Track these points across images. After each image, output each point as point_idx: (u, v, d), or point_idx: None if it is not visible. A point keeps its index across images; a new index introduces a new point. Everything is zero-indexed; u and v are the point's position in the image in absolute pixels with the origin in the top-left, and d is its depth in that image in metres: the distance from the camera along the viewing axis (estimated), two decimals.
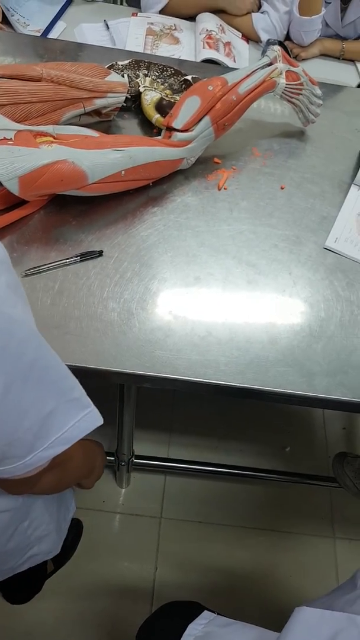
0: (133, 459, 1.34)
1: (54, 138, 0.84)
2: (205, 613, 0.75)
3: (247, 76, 0.99)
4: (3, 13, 1.38)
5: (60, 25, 1.44)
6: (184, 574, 1.36)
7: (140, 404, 1.15)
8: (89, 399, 0.55)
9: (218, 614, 0.76)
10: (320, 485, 1.50)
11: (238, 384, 0.76)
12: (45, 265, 0.81)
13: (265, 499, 1.50)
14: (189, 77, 1.11)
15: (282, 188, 1.02)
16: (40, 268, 0.81)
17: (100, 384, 0.75)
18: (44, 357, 0.48)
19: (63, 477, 0.64)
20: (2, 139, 0.78)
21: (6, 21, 1.39)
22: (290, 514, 1.49)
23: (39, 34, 1.39)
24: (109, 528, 1.40)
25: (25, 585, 1.23)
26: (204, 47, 1.38)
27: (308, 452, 1.61)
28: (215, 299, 0.84)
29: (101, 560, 1.34)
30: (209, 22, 1.46)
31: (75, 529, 1.32)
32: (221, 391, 0.77)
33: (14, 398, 0.45)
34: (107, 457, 1.38)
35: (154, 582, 1.34)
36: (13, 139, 0.79)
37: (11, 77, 0.90)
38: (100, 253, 0.85)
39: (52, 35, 1.40)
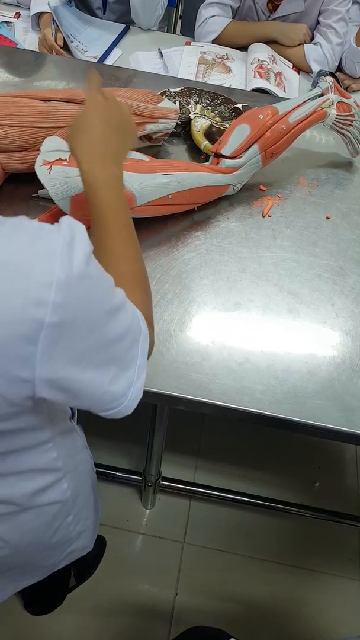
0: (160, 480, 1.33)
1: None
2: None
3: (298, 106, 1.00)
4: (64, 39, 1.44)
5: (116, 52, 1.49)
6: (204, 601, 1.33)
7: (169, 426, 1.15)
8: (139, 321, 0.54)
9: None
10: (349, 525, 1.45)
11: (274, 414, 0.75)
12: None
13: (291, 533, 1.46)
14: (239, 106, 1.13)
15: (327, 218, 1.01)
16: None
17: None
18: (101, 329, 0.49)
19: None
20: (57, 160, 0.81)
21: (66, 47, 1.45)
22: (316, 552, 1.44)
23: (95, 60, 1.44)
24: (131, 548, 1.39)
25: (47, 597, 1.23)
26: (255, 77, 1.40)
27: (338, 489, 1.56)
28: (255, 326, 0.84)
29: (122, 579, 1.33)
30: (260, 52, 1.49)
31: (99, 545, 1.31)
32: (256, 420, 0.76)
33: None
34: (135, 477, 1.37)
35: (174, 606, 1.31)
36: (68, 160, 0.82)
37: (69, 101, 0.94)
38: None
39: (108, 61, 1.46)
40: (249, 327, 0.83)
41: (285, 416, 0.75)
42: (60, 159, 0.81)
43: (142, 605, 1.31)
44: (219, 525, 1.45)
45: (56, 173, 0.79)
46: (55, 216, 0.85)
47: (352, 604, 1.37)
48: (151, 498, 1.41)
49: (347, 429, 0.74)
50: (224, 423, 1.61)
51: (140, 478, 1.34)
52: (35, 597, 1.22)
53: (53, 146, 0.83)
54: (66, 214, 0.81)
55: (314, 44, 1.52)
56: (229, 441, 1.59)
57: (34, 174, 0.81)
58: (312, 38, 1.55)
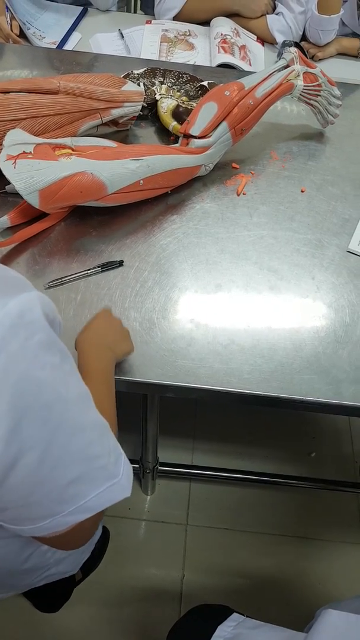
0: (158, 466, 1.34)
1: (73, 150, 0.85)
2: (235, 615, 0.75)
3: (264, 79, 0.98)
4: (20, 27, 1.40)
5: (75, 37, 1.45)
6: (211, 579, 1.35)
7: (163, 411, 1.15)
8: (120, 466, 0.51)
9: (247, 616, 0.76)
10: (348, 492, 1.48)
11: (263, 393, 0.75)
12: (67, 276, 0.82)
13: (292, 505, 1.48)
14: (205, 83, 1.11)
15: (302, 191, 1.00)
16: (63, 279, 0.81)
17: (123, 392, 0.75)
18: (70, 421, 0.45)
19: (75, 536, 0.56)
20: (21, 153, 0.79)
21: (23, 35, 1.41)
22: (317, 521, 1.47)
23: (54, 46, 1.40)
24: (135, 535, 1.40)
25: (54, 594, 1.24)
26: (219, 52, 1.37)
27: (334, 458, 1.58)
28: (237, 306, 0.83)
29: (128, 567, 1.34)
30: (223, 26, 1.46)
31: (102, 537, 1.32)
32: (246, 400, 0.76)
33: (34, 462, 0.43)
34: (132, 465, 1.38)
35: (182, 587, 1.33)
36: (32, 152, 0.80)
37: (29, 91, 0.91)
38: (120, 263, 0.85)
39: (68, 46, 1.42)
40: (232, 308, 0.83)
41: (274, 394, 0.75)
42: (24, 152, 0.79)
43: (151, 589, 1.32)
44: (220, 504, 1.46)
45: (21, 167, 0.77)
46: (24, 211, 0.83)
47: (356, 568, 1.41)
48: (151, 484, 1.42)
49: (336, 401, 0.74)
50: (218, 404, 1.62)
51: (137, 466, 1.34)
52: (42, 595, 1.23)
53: (16, 139, 0.81)
54: (36, 208, 0.79)
55: (276, 14, 1.49)
56: (224, 420, 1.60)
57: (0, 170, 0.79)
58: (274, 8, 1.52)
